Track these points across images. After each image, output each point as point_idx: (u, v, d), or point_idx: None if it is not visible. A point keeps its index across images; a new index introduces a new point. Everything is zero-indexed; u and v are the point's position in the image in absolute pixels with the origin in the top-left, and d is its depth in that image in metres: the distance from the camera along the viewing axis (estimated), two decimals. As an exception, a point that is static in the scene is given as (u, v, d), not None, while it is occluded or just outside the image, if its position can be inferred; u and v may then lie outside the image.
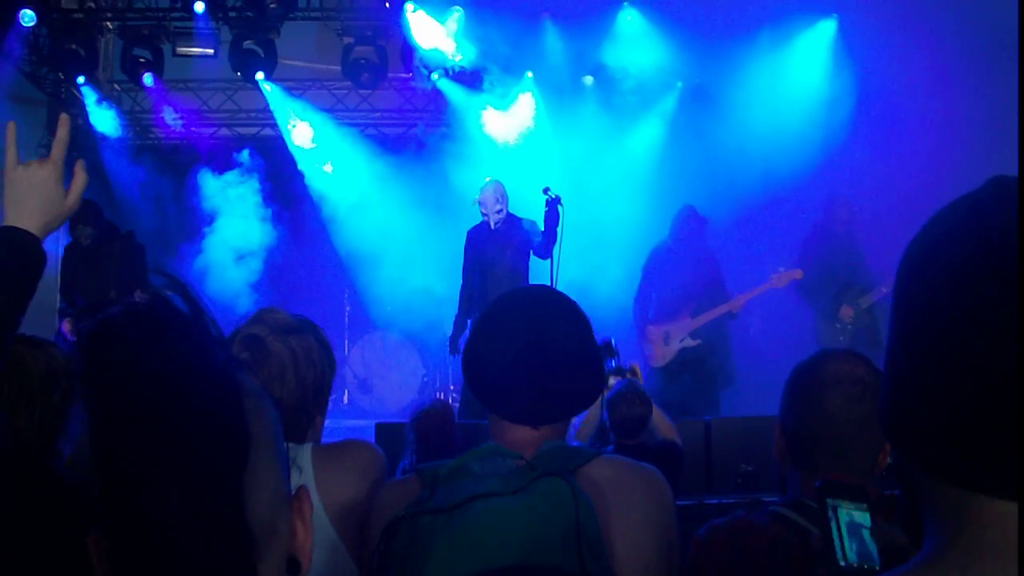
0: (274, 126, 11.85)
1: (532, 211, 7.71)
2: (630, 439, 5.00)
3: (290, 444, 2.12)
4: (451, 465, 1.87)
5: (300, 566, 1.02)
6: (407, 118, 12.35)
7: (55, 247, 8.13)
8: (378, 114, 12.38)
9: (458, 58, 10.69)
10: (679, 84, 11.06)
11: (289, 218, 11.15)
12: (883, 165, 9.03)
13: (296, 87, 11.94)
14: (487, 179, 7.99)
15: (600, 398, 5.19)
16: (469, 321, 7.74)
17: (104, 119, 11.46)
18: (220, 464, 0.89)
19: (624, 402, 5.01)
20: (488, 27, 10.29)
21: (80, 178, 2.03)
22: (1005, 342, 0.83)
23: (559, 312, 2.04)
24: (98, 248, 8.12)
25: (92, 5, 11.18)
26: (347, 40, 11.20)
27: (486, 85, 10.91)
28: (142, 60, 11.04)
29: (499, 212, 7.76)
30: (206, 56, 11.43)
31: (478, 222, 7.95)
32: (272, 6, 10.68)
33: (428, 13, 10.47)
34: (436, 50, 10.66)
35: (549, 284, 6.81)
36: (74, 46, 10.82)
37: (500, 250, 7.67)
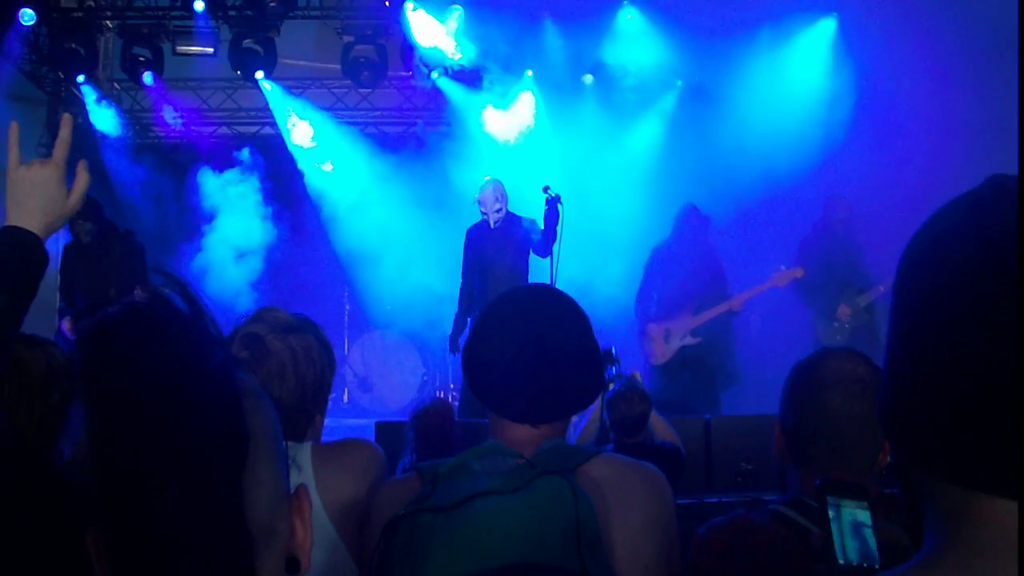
0: (274, 125, 11.86)
1: (532, 210, 7.71)
2: (630, 438, 5.00)
3: (290, 443, 2.12)
4: (451, 463, 1.87)
5: (299, 565, 1.02)
6: (407, 117, 12.35)
7: (55, 246, 8.12)
8: (378, 113, 12.39)
9: (457, 56, 10.68)
10: (679, 83, 11.06)
11: (289, 217, 11.15)
12: (882, 163, 9.04)
13: (296, 86, 11.94)
14: (486, 178, 7.99)
15: (601, 401, 5.21)
16: (469, 320, 7.74)
17: (104, 118, 11.46)
18: (219, 463, 0.89)
19: (624, 401, 5.01)
20: (488, 26, 10.29)
21: (82, 178, 2.03)
22: (1005, 340, 0.83)
23: (559, 311, 2.04)
24: (98, 246, 8.11)
25: (92, 4, 11.20)
26: (347, 39, 11.20)
27: (485, 84, 10.92)
28: (142, 59, 11.04)
29: (498, 211, 7.76)
30: (206, 55, 11.43)
31: (477, 221, 7.95)
32: (272, 5, 10.68)
33: (428, 12, 10.46)
34: (436, 49, 10.65)
35: (549, 283, 6.81)
36: (74, 45, 10.83)
37: (500, 249, 7.67)
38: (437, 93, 11.48)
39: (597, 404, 5.36)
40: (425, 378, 10.79)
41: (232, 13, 11.00)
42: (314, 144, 11.71)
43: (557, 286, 5.63)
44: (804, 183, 9.10)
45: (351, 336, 11.28)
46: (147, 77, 11.15)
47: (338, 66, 11.42)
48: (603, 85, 11.06)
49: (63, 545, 1.97)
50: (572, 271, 8.05)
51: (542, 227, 7.42)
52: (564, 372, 1.98)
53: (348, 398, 11.06)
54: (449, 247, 8.55)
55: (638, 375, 5.37)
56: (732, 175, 9.28)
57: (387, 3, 10.91)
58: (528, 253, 7.74)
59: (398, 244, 10.66)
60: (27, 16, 10.20)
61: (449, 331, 8.14)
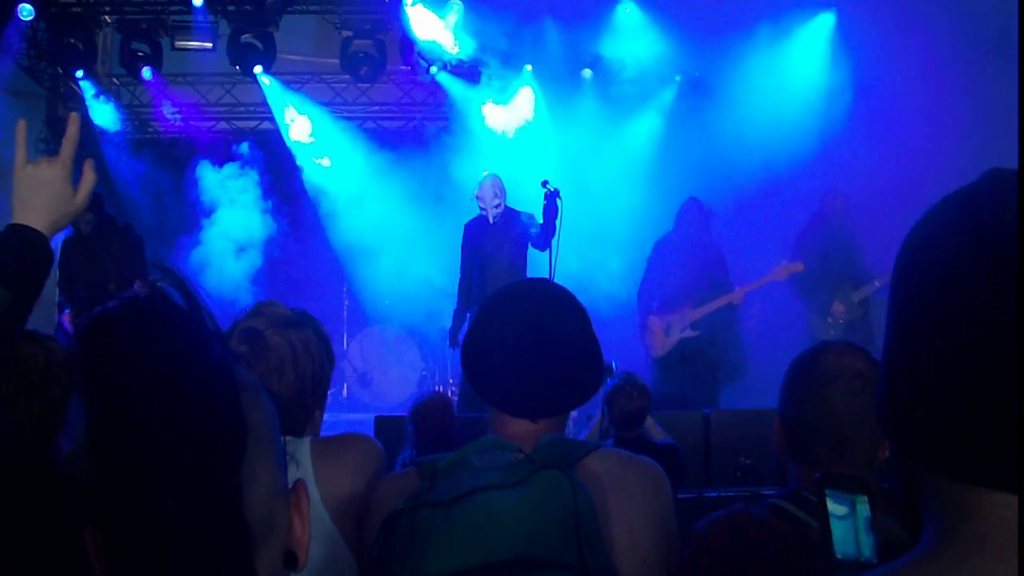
0: (273, 120, 11.85)
1: (531, 204, 7.71)
2: (629, 432, 5.02)
3: (289, 438, 2.12)
4: (450, 458, 1.87)
5: (298, 560, 1.02)
6: (406, 112, 12.35)
7: (54, 241, 8.11)
8: (377, 108, 12.38)
9: (456, 51, 10.67)
10: (677, 77, 11.06)
11: (288, 212, 11.14)
12: (880, 157, 9.03)
13: (295, 81, 11.93)
14: (484, 173, 8.00)
15: (602, 416, 5.24)
16: (468, 314, 7.75)
17: (103, 113, 11.45)
18: (217, 458, 0.89)
19: (623, 395, 5.03)
20: (486, 20, 10.28)
21: (88, 177, 2.03)
22: (1003, 335, 0.83)
23: (558, 305, 2.04)
24: (96, 240, 8.11)
25: (90, -1, 11.19)
26: (346, 33, 11.18)
27: (484, 79, 10.91)
28: (141, 54, 11.04)
29: (497, 206, 7.77)
30: (204, 50, 11.43)
31: (476, 215, 7.96)
32: (270, 0, 10.67)
33: (427, 7, 10.45)
34: (435, 44, 10.64)
35: (548, 277, 6.81)
36: (72, 40, 10.81)
37: (498, 244, 7.68)
38: (436, 88, 11.48)
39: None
40: (424, 373, 10.79)
41: (231, 8, 10.98)
42: (312, 139, 11.69)
43: (556, 280, 5.65)
44: (803, 177, 9.11)
45: (350, 331, 11.28)
46: (146, 72, 11.14)
47: (337, 61, 11.40)
48: (602, 80, 11.05)
49: (62, 541, 1.97)
50: (571, 265, 8.05)
51: (541, 221, 7.43)
52: (563, 366, 1.98)
53: (347, 393, 11.07)
54: (448, 242, 8.55)
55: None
56: (731, 169, 9.29)
57: (386, -2, 10.91)
58: (526, 248, 7.75)
59: (397, 239, 10.66)
60: (26, 11, 10.18)
61: (448, 325, 8.15)
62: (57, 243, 8.40)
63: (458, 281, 8.04)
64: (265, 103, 11.70)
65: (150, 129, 12.52)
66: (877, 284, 7.98)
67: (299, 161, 11.64)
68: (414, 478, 1.91)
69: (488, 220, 7.80)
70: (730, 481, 5.98)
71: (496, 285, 6.79)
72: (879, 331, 7.30)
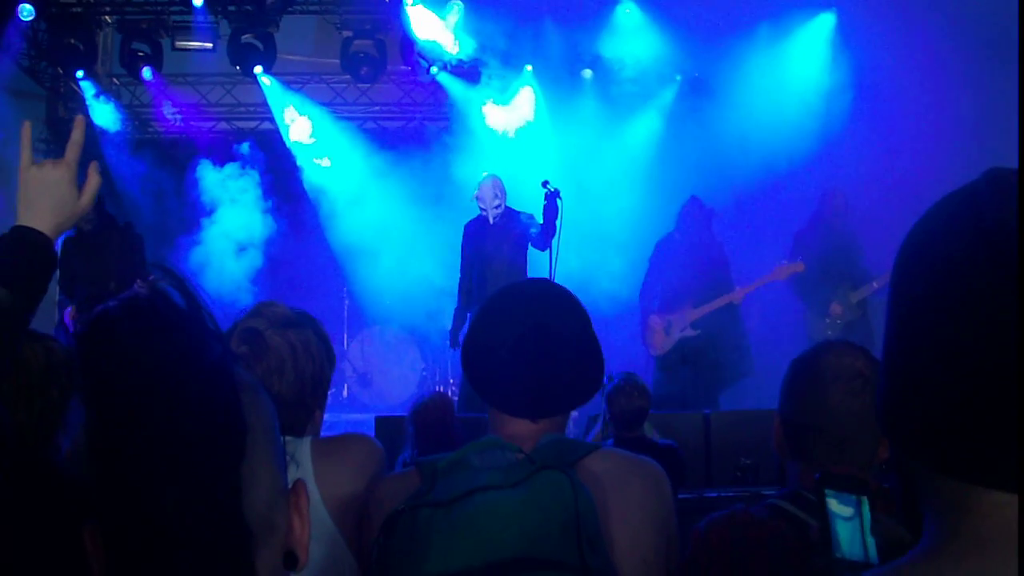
0: (273, 120, 11.84)
1: (531, 204, 7.71)
2: (629, 432, 5.02)
3: (289, 438, 2.12)
4: (450, 458, 1.87)
5: (297, 560, 1.02)
6: (406, 112, 12.35)
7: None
8: (377, 108, 12.37)
9: (455, 51, 10.67)
10: (678, 77, 11.07)
11: (289, 212, 11.15)
12: (880, 157, 9.04)
13: (295, 81, 11.93)
14: (484, 173, 8.00)
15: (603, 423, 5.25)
16: (469, 315, 7.75)
17: (103, 113, 11.45)
18: (217, 458, 0.89)
19: (623, 395, 5.04)
20: (486, 20, 10.28)
21: (93, 180, 2.03)
22: (1004, 333, 0.83)
23: (558, 305, 2.04)
24: (97, 239, 8.11)
25: (91, -1, 11.19)
26: (346, 34, 11.18)
27: (484, 79, 10.91)
28: (141, 54, 11.03)
29: (497, 207, 7.78)
30: (205, 50, 11.43)
31: (475, 215, 7.96)
32: (270, 0, 10.66)
33: (427, 7, 10.45)
34: (435, 44, 10.64)
35: (548, 277, 6.81)
36: (73, 40, 10.81)
37: (498, 244, 7.69)
38: (436, 88, 11.48)
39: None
40: (424, 373, 10.80)
41: (231, 8, 10.98)
42: (313, 140, 11.69)
43: (556, 280, 5.65)
44: (802, 177, 9.11)
45: (351, 331, 11.28)
46: (146, 72, 11.14)
47: (337, 61, 11.40)
48: (602, 80, 11.06)
49: (62, 541, 1.97)
50: (571, 265, 8.05)
51: (541, 221, 7.43)
52: (563, 367, 1.99)
53: (348, 393, 11.07)
54: (449, 241, 8.56)
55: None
56: (731, 169, 9.30)
57: (386, -2, 10.91)
58: (526, 248, 7.75)
59: (398, 239, 10.66)
60: (26, 11, 10.18)
61: (449, 326, 8.16)
62: (58, 242, 8.42)
63: (458, 281, 8.05)
64: (265, 103, 11.70)
65: (150, 129, 12.52)
66: (875, 285, 7.98)
67: (299, 161, 11.64)
68: (414, 478, 1.91)
69: (488, 220, 7.80)
70: (730, 481, 5.97)
71: (496, 285, 6.79)
72: (878, 332, 7.28)
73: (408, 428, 5.12)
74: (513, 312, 2.02)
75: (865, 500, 1.41)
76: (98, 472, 0.88)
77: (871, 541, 1.38)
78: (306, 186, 11.54)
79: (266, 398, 1.02)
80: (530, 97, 11.03)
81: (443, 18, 10.50)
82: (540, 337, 1.96)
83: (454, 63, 10.91)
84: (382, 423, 6.54)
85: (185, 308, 0.93)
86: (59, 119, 11.79)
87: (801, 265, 7.91)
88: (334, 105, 12.13)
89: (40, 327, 2.46)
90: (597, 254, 9.40)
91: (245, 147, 11.13)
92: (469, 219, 8.05)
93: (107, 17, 11.75)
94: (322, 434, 2.36)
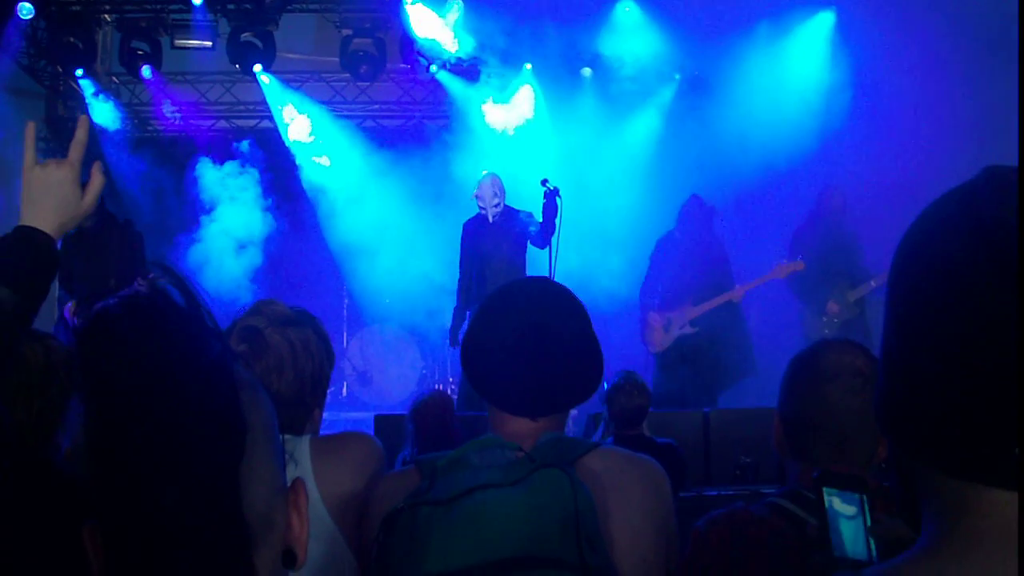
0: (272, 118, 11.83)
1: (531, 203, 7.71)
2: (629, 430, 5.03)
3: (288, 436, 2.12)
4: (450, 457, 1.87)
5: (296, 558, 1.02)
6: (406, 110, 12.34)
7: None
8: (377, 106, 12.36)
9: (455, 49, 10.66)
10: (677, 76, 11.07)
11: (288, 210, 11.15)
12: (880, 156, 9.04)
13: (294, 79, 11.92)
14: (484, 172, 8.01)
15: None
16: (468, 313, 7.75)
17: (103, 112, 11.44)
18: (216, 456, 0.89)
19: (623, 394, 5.05)
20: (486, 19, 10.28)
21: (97, 180, 2.03)
22: (1002, 332, 0.83)
23: (557, 304, 2.04)
24: (96, 236, 8.11)
25: (90, -3, 11.18)
26: (345, 32, 11.17)
27: (484, 77, 10.91)
28: (140, 52, 11.03)
29: (496, 206, 7.79)
30: (204, 48, 11.42)
31: (474, 214, 7.97)
32: (270, -2, 10.68)
33: (427, 5, 10.45)
34: (435, 42, 10.64)
35: (548, 275, 6.81)
36: (72, 39, 10.81)
37: (497, 243, 7.69)
38: (436, 86, 11.48)
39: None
40: (424, 371, 10.80)
41: (231, 7, 10.97)
42: (312, 139, 11.68)
43: (556, 279, 5.65)
44: (802, 175, 9.12)
45: (350, 329, 11.29)
46: (146, 71, 11.13)
47: (337, 59, 11.39)
48: (601, 78, 11.06)
49: (61, 540, 1.97)
50: (571, 264, 8.05)
51: (540, 220, 7.43)
52: (562, 365, 1.99)
53: (347, 391, 11.08)
54: (448, 240, 8.56)
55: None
56: (730, 167, 9.30)
57: (386, -4, 10.90)
58: (525, 246, 7.76)
59: (397, 238, 10.66)
60: (25, 10, 10.18)
61: (449, 324, 8.16)
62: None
63: (458, 280, 8.05)
64: (265, 102, 11.69)
65: (150, 128, 12.51)
66: (873, 284, 7.98)
67: (299, 160, 11.63)
68: (414, 476, 1.91)
69: (488, 219, 7.81)
70: (730, 480, 5.98)
71: (496, 284, 6.80)
72: (875, 330, 7.27)
73: (408, 426, 5.13)
74: (512, 311, 2.02)
75: (865, 500, 1.41)
76: (97, 471, 0.88)
77: (868, 539, 1.38)
78: (305, 185, 11.53)
79: (265, 396, 1.02)
80: (529, 95, 11.03)
81: (443, 16, 10.50)
82: (539, 335, 1.96)
83: (453, 61, 10.91)
84: (381, 421, 6.55)
85: (185, 306, 0.93)
86: (59, 118, 11.79)
87: (801, 264, 7.91)
88: (333, 103, 12.12)
89: (40, 324, 2.46)
90: (597, 252, 9.40)
91: (244, 145, 11.13)
92: (468, 218, 8.05)
93: (106, 15, 11.74)
94: (321, 432, 2.36)
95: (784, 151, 9.22)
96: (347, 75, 11.57)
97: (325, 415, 2.41)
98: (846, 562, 1.34)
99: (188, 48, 11.42)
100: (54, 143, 11.07)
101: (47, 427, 2.33)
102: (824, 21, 10.56)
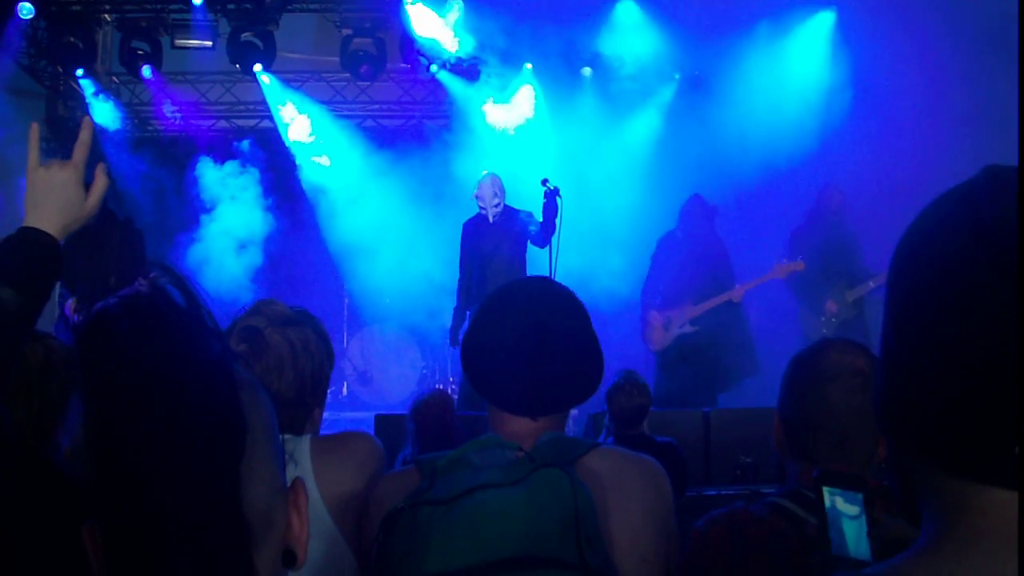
0: (272, 118, 11.83)
1: (531, 202, 7.71)
2: (630, 429, 5.03)
3: (288, 436, 2.12)
4: (450, 456, 1.87)
5: (296, 558, 1.02)
6: (406, 110, 12.34)
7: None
8: (377, 106, 12.36)
9: (455, 49, 10.66)
10: (677, 75, 11.07)
11: (289, 210, 11.16)
12: (880, 155, 9.04)
13: (294, 79, 11.93)
14: (484, 172, 8.01)
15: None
16: (468, 313, 7.75)
17: (103, 111, 11.44)
18: (217, 455, 0.89)
19: (623, 394, 5.05)
20: (486, 19, 10.28)
21: (100, 181, 2.03)
22: (1002, 331, 0.83)
23: (558, 303, 2.04)
24: (96, 233, 8.10)
25: (90, -3, 11.18)
26: (346, 32, 11.17)
27: (484, 77, 10.91)
28: (140, 52, 11.03)
29: (496, 206, 7.79)
30: (204, 48, 11.42)
31: (474, 214, 7.97)
32: (270, -2, 10.68)
33: (427, 5, 10.45)
34: (435, 42, 10.64)
35: (548, 275, 6.82)
36: (72, 38, 10.81)
37: (497, 242, 7.70)
38: (436, 86, 11.48)
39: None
40: (424, 371, 10.80)
41: (231, 6, 10.97)
42: (312, 139, 11.69)
43: (556, 278, 5.65)
44: (802, 174, 9.12)
45: (350, 329, 11.29)
46: (146, 71, 11.13)
47: (337, 59, 11.40)
48: (601, 77, 11.06)
49: (61, 539, 1.97)
50: (571, 263, 8.05)
51: (540, 219, 7.43)
52: (563, 365, 1.98)
53: (347, 391, 11.08)
54: (449, 239, 8.56)
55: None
56: (731, 167, 9.30)
57: (386, -4, 10.90)
58: (526, 245, 7.76)
59: (397, 237, 10.66)
60: (25, 10, 10.18)
61: (449, 323, 8.17)
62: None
63: (458, 280, 8.06)
64: (265, 101, 11.69)
65: (150, 128, 12.51)
66: (872, 284, 7.97)
67: (299, 160, 11.63)
68: (414, 476, 1.91)
69: (488, 219, 7.81)
70: (730, 479, 5.98)
71: (496, 284, 6.80)
72: (874, 330, 7.26)
73: (408, 426, 5.12)
74: (513, 310, 2.02)
75: (863, 497, 1.40)
76: (97, 470, 0.88)
77: (867, 538, 1.37)
78: (306, 185, 11.54)
79: (265, 396, 1.02)
80: (530, 95, 11.03)
81: (443, 16, 10.50)
82: (540, 335, 1.96)
83: (454, 61, 10.91)
84: (382, 421, 6.55)
85: (185, 306, 0.93)
86: (59, 117, 11.78)
87: (801, 264, 7.90)
88: (333, 103, 12.12)
89: (40, 323, 2.46)
90: (597, 252, 9.40)
91: (245, 145, 11.13)
92: (468, 217, 8.05)
93: (106, 15, 11.74)
94: (321, 432, 2.36)
95: (784, 151, 9.22)
96: (347, 75, 11.57)
97: (325, 415, 2.41)
98: (847, 562, 1.34)
99: (188, 48, 11.42)
100: (54, 143, 11.06)
101: (47, 426, 2.33)
102: (824, 21, 10.56)
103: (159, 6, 11.19)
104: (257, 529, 0.93)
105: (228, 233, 10.49)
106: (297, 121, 11.64)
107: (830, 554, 1.35)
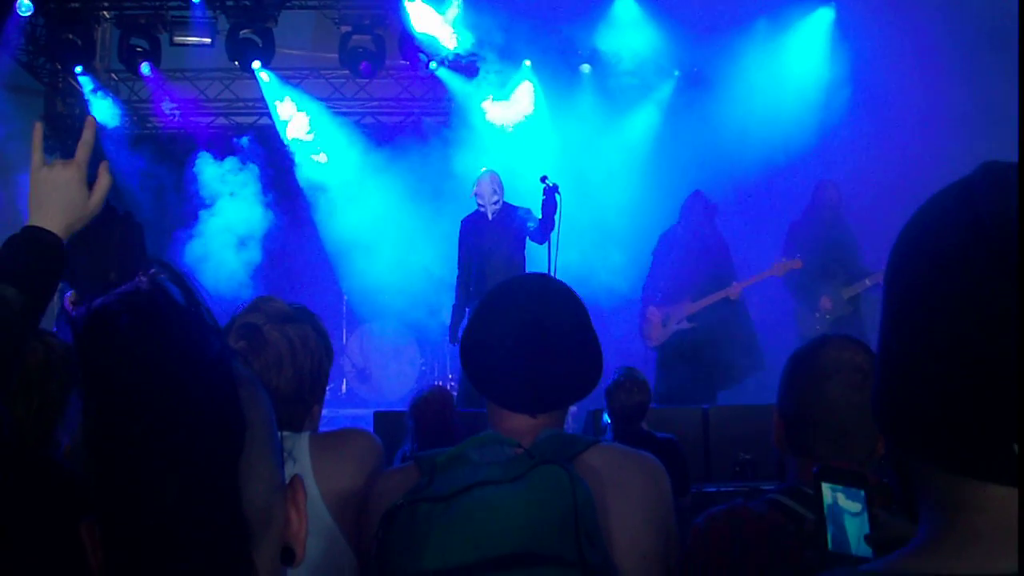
0: (271, 115, 11.83)
1: (531, 198, 7.71)
2: (630, 426, 5.03)
3: (287, 433, 2.12)
4: (449, 453, 1.87)
5: (295, 555, 1.02)
6: (405, 106, 12.34)
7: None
8: (376, 103, 12.36)
9: (453, 46, 10.66)
10: (676, 72, 11.07)
11: (287, 207, 11.16)
12: (879, 151, 9.04)
13: (293, 76, 11.92)
14: (483, 169, 8.01)
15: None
16: (468, 310, 7.75)
17: (102, 109, 11.44)
18: (216, 452, 0.89)
19: (623, 391, 5.04)
20: (484, 15, 10.28)
21: (104, 180, 2.03)
22: (1001, 328, 0.83)
23: (556, 300, 2.04)
24: (97, 229, 8.10)
25: (89, -6, 11.17)
26: (344, 29, 11.17)
27: (482, 73, 10.91)
28: (139, 49, 11.02)
29: (495, 203, 7.79)
30: (203, 45, 11.41)
31: (472, 211, 7.97)
32: (269, -5, 10.67)
33: (426, 1, 10.44)
34: (434, 38, 10.63)
35: (547, 272, 6.82)
36: (71, 36, 10.80)
37: (496, 240, 7.69)
38: (435, 83, 11.48)
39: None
40: (423, 368, 10.80)
41: (229, 3, 10.98)
42: (311, 136, 11.68)
43: (556, 275, 5.65)
44: (801, 170, 9.12)
45: (349, 326, 11.29)
46: (144, 68, 11.12)
47: (335, 56, 11.40)
48: (600, 74, 11.06)
49: (60, 536, 1.97)
50: (570, 260, 8.05)
51: (539, 216, 7.43)
52: (562, 361, 1.99)
53: (346, 388, 11.08)
54: (448, 236, 8.56)
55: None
56: (730, 163, 9.30)
57: (384, -7, 10.90)
58: (524, 242, 7.76)
59: (396, 234, 10.67)
60: (24, 7, 10.17)
61: (448, 320, 8.17)
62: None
63: (456, 277, 8.06)
64: (264, 98, 11.69)
65: (149, 125, 12.52)
66: (868, 282, 7.95)
67: (298, 157, 11.63)
68: (413, 473, 1.91)
69: (487, 216, 7.81)
70: (729, 476, 5.99)
71: (495, 280, 6.79)
72: (871, 328, 7.25)
73: (408, 422, 5.12)
74: (512, 307, 2.02)
75: (862, 494, 1.40)
76: (97, 468, 0.88)
77: (864, 534, 1.37)
78: (304, 181, 11.53)
79: (264, 393, 1.02)
80: (529, 91, 11.03)
81: (442, 13, 10.50)
82: (539, 332, 1.96)
83: (452, 58, 10.91)
84: (381, 418, 6.55)
85: (184, 303, 0.93)
86: (57, 115, 11.78)
87: (799, 262, 7.89)
88: (332, 100, 12.12)
89: (42, 320, 2.46)
90: (596, 248, 9.40)
91: (244, 141, 11.13)
92: (467, 214, 8.05)
93: (105, 12, 11.74)
94: (320, 429, 2.35)
95: (783, 147, 9.23)
96: (346, 72, 11.57)
97: (324, 412, 2.40)
98: (848, 559, 1.34)
99: (187, 45, 11.41)
100: (53, 140, 11.05)
101: (46, 424, 2.33)
102: (823, 17, 10.56)
103: (158, 3, 11.20)
104: (256, 526, 0.93)
105: (227, 230, 10.49)
106: (296, 118, 11.64)
107: (826, 550, 1.35)
